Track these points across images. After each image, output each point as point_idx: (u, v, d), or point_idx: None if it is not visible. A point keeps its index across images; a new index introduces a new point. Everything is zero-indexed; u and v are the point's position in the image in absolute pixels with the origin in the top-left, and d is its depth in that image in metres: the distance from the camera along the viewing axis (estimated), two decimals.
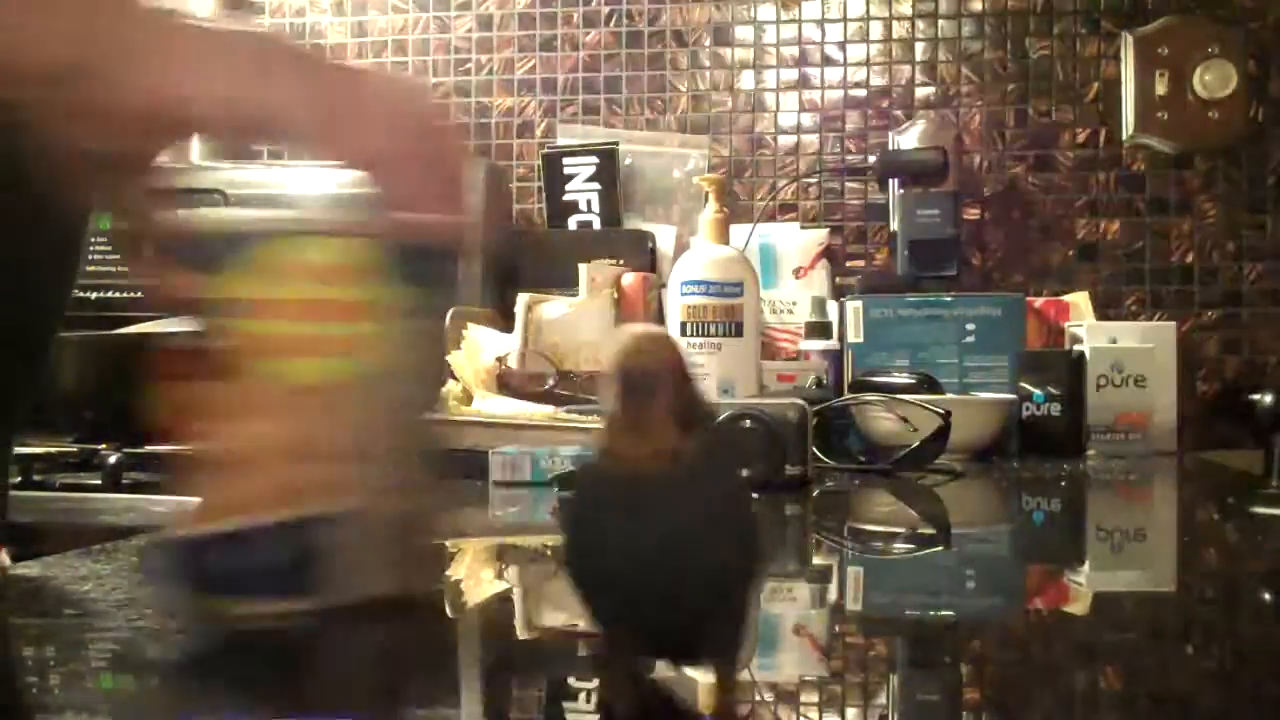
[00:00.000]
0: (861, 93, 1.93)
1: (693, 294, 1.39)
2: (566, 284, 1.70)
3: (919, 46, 1.92)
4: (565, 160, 1.94)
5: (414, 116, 0.54)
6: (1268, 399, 1.65)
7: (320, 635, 0.49)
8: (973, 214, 1.88)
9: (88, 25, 0.50)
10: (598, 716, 0.41)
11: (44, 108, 0.50)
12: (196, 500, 0.50)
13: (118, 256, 1.68)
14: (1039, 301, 1.74)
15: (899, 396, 1.35)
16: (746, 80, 1.95)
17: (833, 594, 0.61)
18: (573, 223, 1.94)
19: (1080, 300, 1.75)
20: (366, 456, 0.50)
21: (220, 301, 0.50)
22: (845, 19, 1.93)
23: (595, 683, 0.45)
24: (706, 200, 1.45)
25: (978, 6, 1.90)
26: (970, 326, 1.61)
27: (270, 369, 0.50)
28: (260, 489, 0.49)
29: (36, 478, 1.28)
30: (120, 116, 0.49)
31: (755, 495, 1.04)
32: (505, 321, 1.72)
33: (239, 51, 0.51)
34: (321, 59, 0.55)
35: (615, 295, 1.66)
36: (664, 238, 1.88)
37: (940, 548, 0.88)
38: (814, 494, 1.09)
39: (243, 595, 0.49)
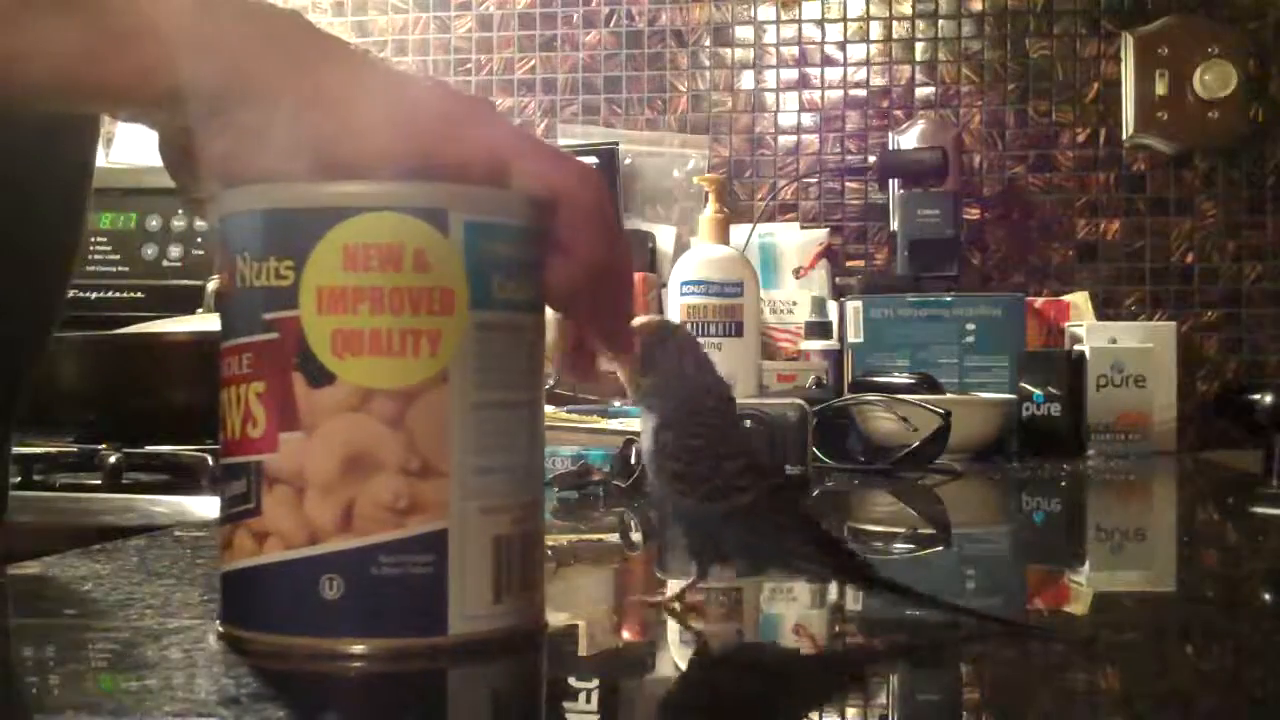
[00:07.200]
0: (861, 93, 1.93)
1: (692, 294, 1.39)
2: None
3: (919, 46, 1.92)
4: None
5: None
6: (1268, 399, 1.64)
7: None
8: (973, 214, 1.88)
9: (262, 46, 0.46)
10: (597, 716, 0.41)
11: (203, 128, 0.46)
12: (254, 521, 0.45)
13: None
14: (1039, 301, 1.74)
15: (899, 396, 1.35)
16: (746, 80, 1.95)
17: (832, 594, 0.61)
18: None
19: (1080, 300, 1.75)
20: (454, 471, 0.45)
21: (290, 290, 0.44)
22: (845, 19, 1.93)
23: (595, 681, 0.45)
24: (706, 200, 1.45)
25: (978, 6, 1.90)
26: (970, 326, 1.61)
27: (347, 369, 0.44)
28: (351, 509, 0.44)
29: (36, 478, 1.28)
30: (298, 158, 0.45)
31: None
32: None
33: (428, 104, 0.47)
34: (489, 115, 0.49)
35: None
36: (664, 238, 1.88)
37: (940, 548, 0.88)
38: (814, 494, 1.09)
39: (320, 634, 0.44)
